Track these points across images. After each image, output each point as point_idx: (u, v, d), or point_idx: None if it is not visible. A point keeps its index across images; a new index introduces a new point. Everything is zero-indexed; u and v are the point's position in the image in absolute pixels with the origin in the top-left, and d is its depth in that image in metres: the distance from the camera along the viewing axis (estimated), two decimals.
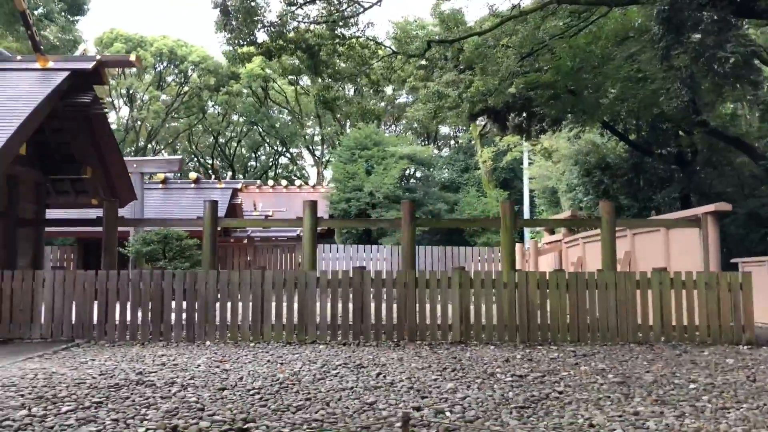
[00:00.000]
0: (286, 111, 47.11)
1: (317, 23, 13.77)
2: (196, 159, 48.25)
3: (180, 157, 21.18)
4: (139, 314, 9.48)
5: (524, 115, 20.46)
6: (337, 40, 14.52)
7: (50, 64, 10.71)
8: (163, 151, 44.98)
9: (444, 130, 48.70)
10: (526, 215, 35.30)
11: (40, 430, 4.72)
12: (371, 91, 24.90)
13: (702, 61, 10.17)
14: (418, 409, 5.38)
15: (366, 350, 8.73)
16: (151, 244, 16.44)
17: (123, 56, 11.24)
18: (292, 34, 13.53)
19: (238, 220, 16.97)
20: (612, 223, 10.73)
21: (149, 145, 43.50)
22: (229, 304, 9.45)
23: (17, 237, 11.44)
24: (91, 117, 11.43)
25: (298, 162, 50.31)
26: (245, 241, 22.18)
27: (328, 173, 44.61)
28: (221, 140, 47.72)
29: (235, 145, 48.83)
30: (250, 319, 9.43)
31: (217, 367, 7.49)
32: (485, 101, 16.02)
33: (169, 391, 6.10)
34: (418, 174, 41.28)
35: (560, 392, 6.00)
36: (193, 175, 22.52)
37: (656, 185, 22.22)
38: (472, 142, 42.26)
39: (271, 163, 51.03)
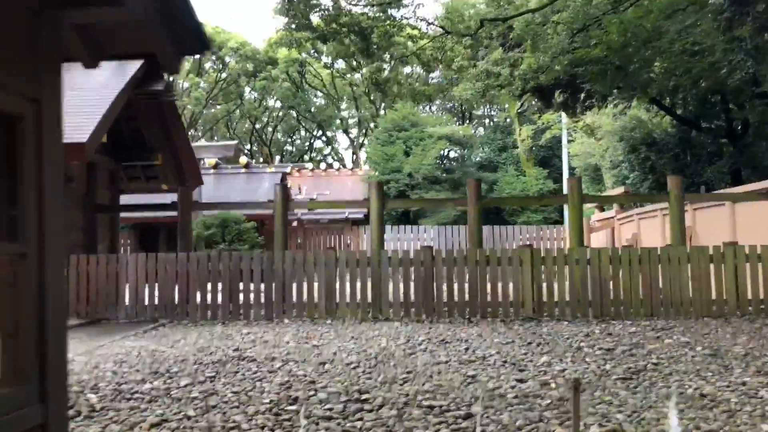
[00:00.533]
0: (322, 95, 47.26)
1: (371, 5, 13.85)
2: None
3: (236, 142, 21.53)
4: (219, 295, 9.77)
5: (570, 92, 20.33)
6: (389, 22, 14.59)
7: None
8: (201, 138, 45.55)
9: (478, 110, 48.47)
10: (565, 192, 35.07)
11: (169, 402, 4.97)
12: (422, 71, 24.92)
13: None
14: (521, 381, 5.52)
15: (441, 327, 8.90)
16: (211, 228, 16.80)
17: None
18: (345, 18, 13.65)
19: (308, 202, 17.21)
20: (681, 198, 10.72)
21: (189, 132, 44.11)
22: (305, 284, 9.68)
23: (97, 222, 11.82)
24: (163, 104, 11.72)
25: (333, 145, 50.53)
26: (295, 224, 22.48)
27: (363, 156, 44.75)
28: (258, 126, 48.12)
29: (271, 130, 49.21)
30: (325, 298, 9.64)
31: (306, 343, 7.72)
32: (537, 78, 15.97)
33: (273, 366, 6.33)
34: (453, 154, 41.20)
35: (655, 364, 6.09)
36: (243, 159, 22.83)
37: (705, 160, 21.93)
38: (509, 120, 41.99)
39: (306, 147, 51.35)
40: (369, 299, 9.67)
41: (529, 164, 38.11)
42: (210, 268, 9.71)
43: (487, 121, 47.27)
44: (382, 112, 43.25)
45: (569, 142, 33.31)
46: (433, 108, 47.20)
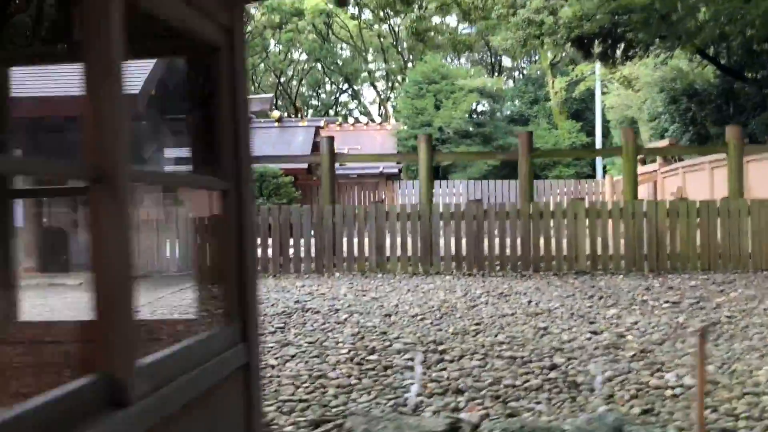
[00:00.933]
0: (348, 47, 46.67)
1: None
2: None
3: (271, 95, 21.32)
4: (269, 249, 9.79)
5: (611, 41, 19.79)
6: None
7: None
8: None
9: (506, 62, 47.56)
10: (598, 146, 34.51)
11: None
12: (461, 20, 24.40)
13: None
14: (595, 333, 5.45)
15: (495, 281, 8.84)
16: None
17: None
18: None
19: (352, 155, 17.12)
20: (740, 149, 10.44)
21: None
22: (355, 238, 9.65)
23: None
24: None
25: (360, 99, 50.08)
26: None
27: (390, 109, 44.35)
28: (282, 79, 47.75)
29: (296, 84, 48.83)
30: (376, 251, 9.61)
31: (363, 296, 7.71)
32: (580, 27, 15.52)
33: (338, 317, 6.33)
34: (483, 108, 40.68)
35: (729, 317, 5.98)
36: (276, 113, 22.63)
37: (749, 111, 21.34)
38: (539, 72, 41.19)
39: (332, 101, 50.97)
40: (419, 253, 9.61)
41: (562, 117, 37.49)
42: (260, 222, 9.70)
43: (516, 73, 46.38)
44: (410, 65, 42.64)
45: (603, 94, 32.63)
46: (462, 60, 46.40)
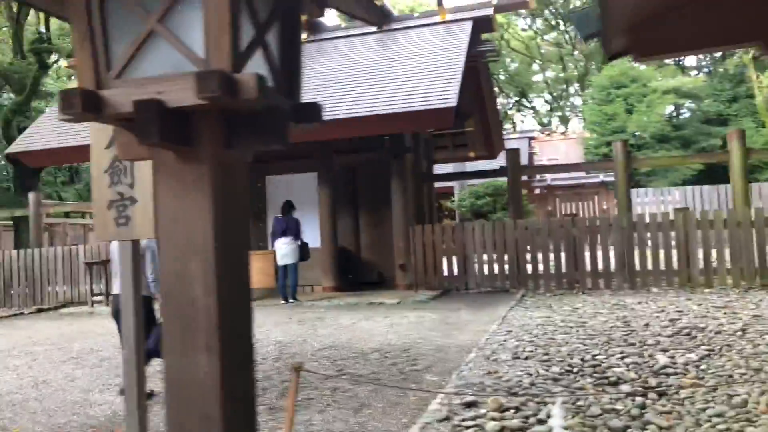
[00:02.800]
0: (518, 58, 45.77)
1: None
2: None
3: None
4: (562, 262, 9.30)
5: None
6: None
7: (448, 17, 10.70)
8: None
9: (689, 60, 44.44)
10: None
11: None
12: None
13: None
14: None
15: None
16: (484, 197, 16.45)
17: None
18: None
19: (552, 166, 16.43)
20: None
21: None
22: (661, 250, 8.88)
23: (423, 192, 11.67)
24: (479, 67, 11.34)
25: (536, 109, 48.88)
26: (545, 190, 21.71)
27: (575, 119, 42.90)
28: None
29: None
30: (704, 263, 8.77)
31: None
32: None
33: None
34: (675, 109, 38.13)
35: None
36: None
37: None
38: (735, 68, 38.00)
39: (505, 112, 50.21)
40: (756, 264, 8.64)
41: None
42: (548, 234, 9.24)
43: (704, 71, 43.15)
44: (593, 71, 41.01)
45: None
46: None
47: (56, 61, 20.41)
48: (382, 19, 10.90)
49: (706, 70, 43.79)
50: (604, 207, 20.40)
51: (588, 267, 9.50)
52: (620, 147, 10.69)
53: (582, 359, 5.19)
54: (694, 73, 41.88)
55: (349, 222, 11.38)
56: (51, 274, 11.93)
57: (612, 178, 24.17)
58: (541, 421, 3.79)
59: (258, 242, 11.94)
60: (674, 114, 37.06)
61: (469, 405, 4.27)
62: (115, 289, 4.98)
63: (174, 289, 2.12)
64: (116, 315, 5.04)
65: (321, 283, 10.68)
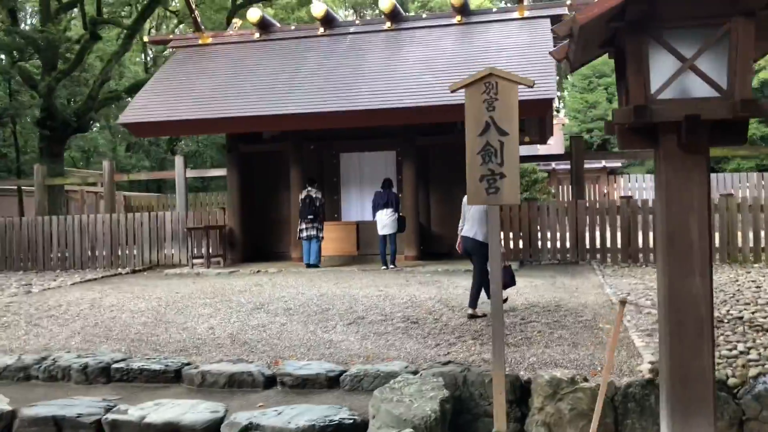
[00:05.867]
0: None
1: None
2: None
3: None
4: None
5: None
6: None
7: (526, 13, 11.83)
8: None
9: None
10: None
11: None
12: None
13: None
14: None
15: None
16: None
17: None
18: None
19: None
20: None
21: None
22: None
23: None
24: None
25: None
26: (548, 174, 23.13)
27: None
28: None
29: None
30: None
31: None
32: None
33: None
34: None
35: None
36: None
37: None
38: None
39: None
40: None
41: None
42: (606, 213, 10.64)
43: None
44: None
45: None
46: None
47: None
48: None
49: None
50: (605, 191, 21.95)
51: (640, 243, 10.90)
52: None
53: (722, 312, 6.50)
54: None
55: (420, 198, 12.46)
56: (137, 238, 12.70)
57: (615, 164, 25.97)
58: None
59: (333, 214, 12.95)
60: None
61: None
62: (464, 232, 7.21)
63: (677, 235, 3.26)
64: (465, 252, 7.28)
65: (404, 252, 11.76)
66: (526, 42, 11.21)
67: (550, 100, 9.87)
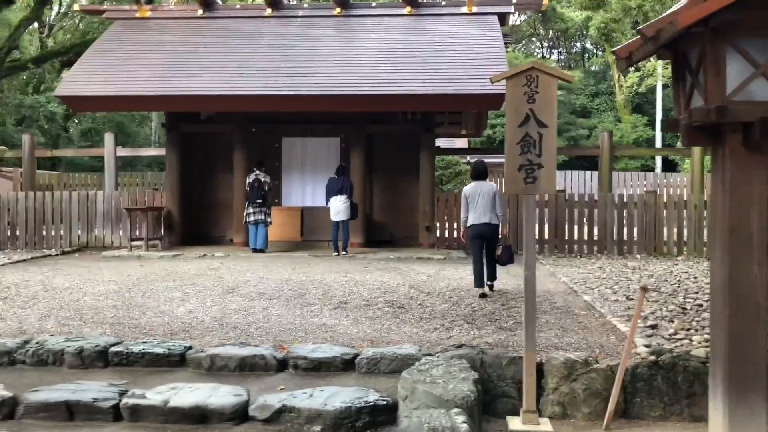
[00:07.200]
0: None
1: None
2: None
3: None
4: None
5: None
6: None
7: (474, 9, 12.11)
8: None
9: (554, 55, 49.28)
10: (658, 141, 36.42)
11: None
12: None
13: None
14: None
15: None
16: (438, 170, 17.99)
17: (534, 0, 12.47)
18: None
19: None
20: None
21: None
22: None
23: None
24: None
25: None
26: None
27: None
28: None
29: None
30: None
31: None
32: None
33: None
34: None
35: None
36: None
37: None
38: (599, 66, 42.63)
39: None
40: None
41: (626, 111, 39.05)
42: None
43: (572, 64, 47.73)
44: None
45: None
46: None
47: None
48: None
49: (572, 64, 48.46)
50: None
51: (575, 235, 11.56)
52: (606, 137, 12.84)
53: None
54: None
55: (365, 186, 12.54)
56: (65, 217, 11.97)
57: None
58: None
59: (273, 199, 12.77)
60: None
61: (653, 327, 5.96)
62: (471, 220, 7.61)
63: (738, 227, 3.58)
64: (472, 237, 7.66)
65: (349, 240, 11.80)
66: (477, 36, 11.53)
67: (502, 95, 10.19)
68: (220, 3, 13.62)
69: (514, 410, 4.90)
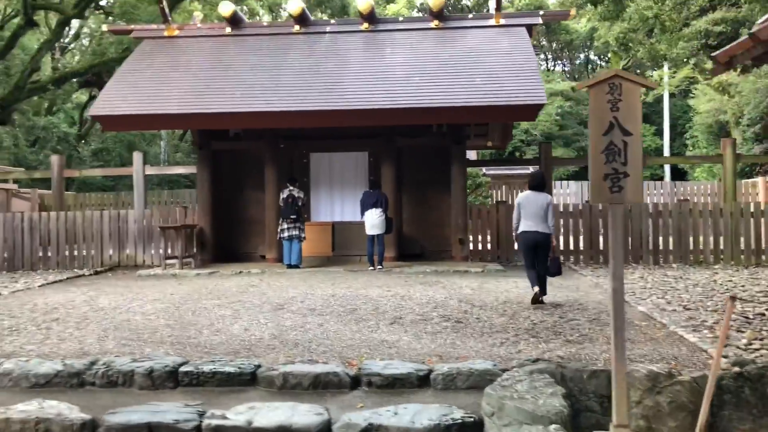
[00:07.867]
0: None
1: None
2: None
3: None
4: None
5: None
6: None
7: (501, 21, 12.11)
8: None
9: (558, 67, 49.40)
10: (666, 150, 36.43)
11: None
12: None
13: None
14: None
15: None
16: None
17: (562, 11, 12.48)
18: None
19: None
20: None
21: None
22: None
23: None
24: None
25: None
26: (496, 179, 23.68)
27: None
28: None
29: None
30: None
31: None
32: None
33: None
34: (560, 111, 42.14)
35: None
36: None
37: None
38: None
39: None
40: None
41: None
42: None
43: (576, 75, 47.84)
44: None
45: (692, 98, 34.24)
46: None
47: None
48: None
49: (577, 75, 48.58)
50: None
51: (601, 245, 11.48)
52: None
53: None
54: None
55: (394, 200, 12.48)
56: (96, 237, 11.91)
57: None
58: None
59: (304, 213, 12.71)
60: (559, 114, 40.85)
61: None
62: (523, 227, 7.67)
63: None
64: (524, 245, 7.73)
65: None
66: (507, 48, 11.50)
67: (541, 105, 10.19)
68: (246, 21, 13.63)
69: (597, 425, 4.79)
